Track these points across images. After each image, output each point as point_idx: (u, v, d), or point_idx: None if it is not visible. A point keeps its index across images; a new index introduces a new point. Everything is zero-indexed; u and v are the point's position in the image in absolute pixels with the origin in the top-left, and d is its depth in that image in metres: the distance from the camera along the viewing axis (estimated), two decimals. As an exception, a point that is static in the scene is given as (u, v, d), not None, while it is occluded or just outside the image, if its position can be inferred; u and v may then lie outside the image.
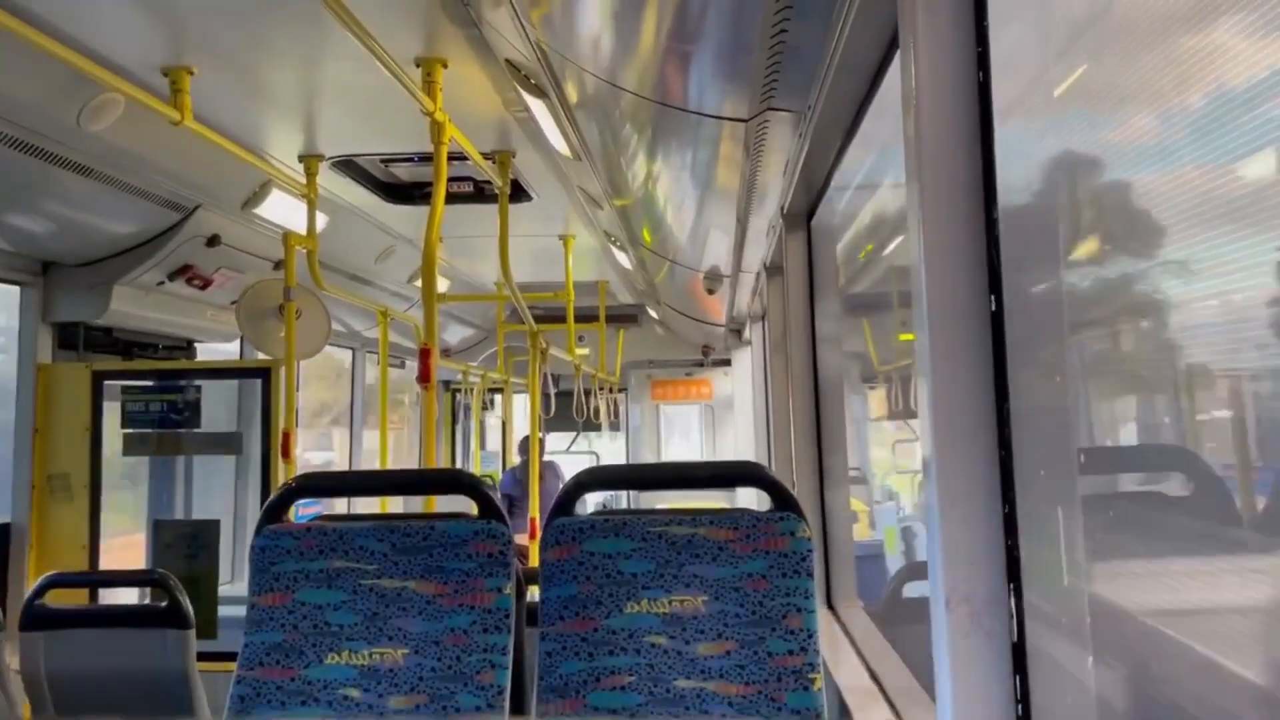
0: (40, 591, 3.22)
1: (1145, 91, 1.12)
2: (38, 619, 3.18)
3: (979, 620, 1.16)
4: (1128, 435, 1.27)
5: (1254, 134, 0.88)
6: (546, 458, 8.66)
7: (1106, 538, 1.21)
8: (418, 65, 3.39)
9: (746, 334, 8.81)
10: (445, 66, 3.41)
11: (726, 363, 11.08)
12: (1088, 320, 1.21)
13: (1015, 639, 1.15)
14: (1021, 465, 1.16)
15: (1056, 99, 1.34)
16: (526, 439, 9.66)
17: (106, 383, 4.65)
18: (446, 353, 10.08)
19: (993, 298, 1.16)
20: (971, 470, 1.17)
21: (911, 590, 3.20)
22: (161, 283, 4.76)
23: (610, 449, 12.51)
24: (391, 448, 6.93)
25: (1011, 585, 1.15)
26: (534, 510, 6.62)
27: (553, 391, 8.87)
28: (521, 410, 11.36)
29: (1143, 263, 1.17)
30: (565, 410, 10.05)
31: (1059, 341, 1.15)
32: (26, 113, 3.35)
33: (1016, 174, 1.25)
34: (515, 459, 9.68)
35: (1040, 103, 1.35)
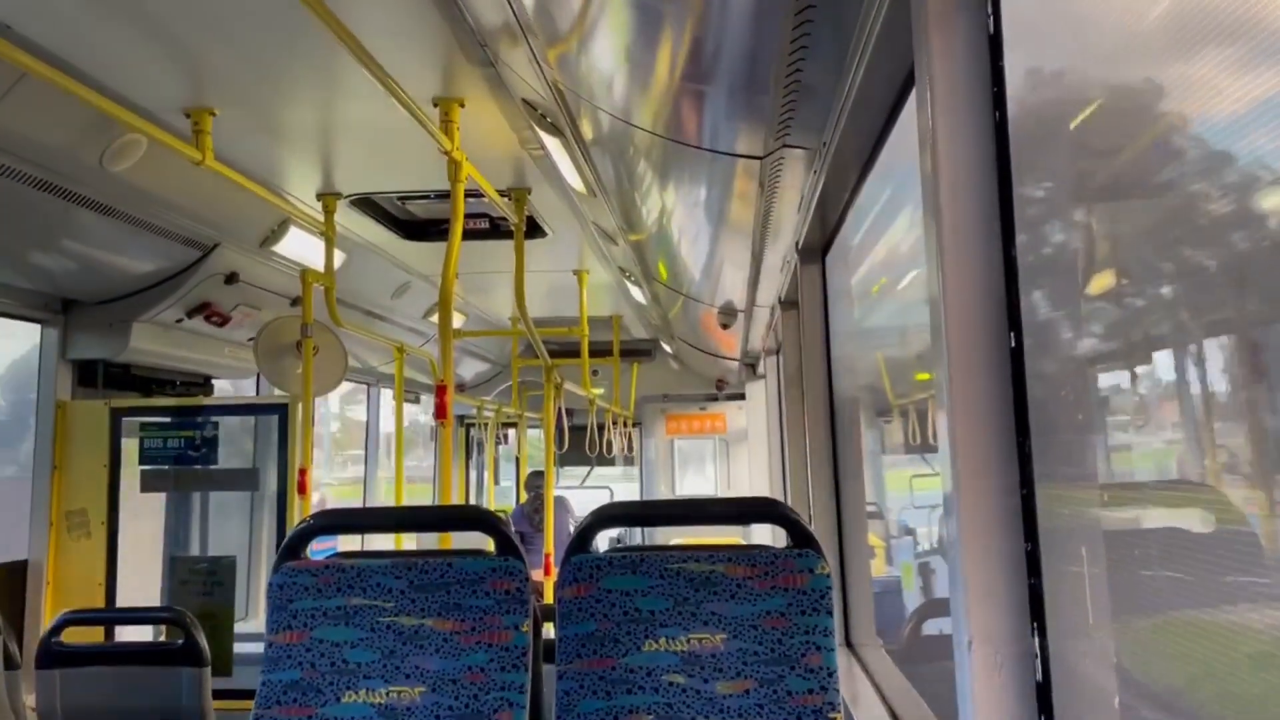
0: (57, 629, 3.22)
1: (1162, 123, 1.13)
2: (54, 656, 3.19)
3: (1003, 660, 1.15)
4: (1151, 471, 1.26)
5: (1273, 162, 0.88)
6: (557, 493, 8.65)
7: (1132, 576, 1.20)
8: (435, 105, 3.43)
9: (761, 368, 8.80)
10: (462, 106, 3.45)
11: (741, 396, 11.06)
12: (1109, 355, 1.20)
13: (1040, 679, 1.14)
14: (1044, 502, 1.15)
15: (1073, 131, 1.34)
16: (533, 474, 9.66)
17: (125, 419, 4.68)
18: (461, 388, 10.10)
19: (1012, 334, 1.16)
20: (993, 508, 1.16)
21: (931, 628, 3.17)
22: (180, 320, 4.80)
23: (624, 484, 12.47)
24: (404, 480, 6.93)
25: (1035, 624, 1.14)
26: (549, 546, 6.60)
27: (567, 426, 8.88)
28: (537, 446, 11.36)
29: (1163, 297, 1.17)
30: (579, 444, 10.04)
31: (1080, 377, 1.15)
32: (51, 154, 3.40)
33: (1035, 210, 1.26)
34: (525, 495, 9.66)
35: (1057, 136, 1.36)
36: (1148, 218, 1.19)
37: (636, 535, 10.03)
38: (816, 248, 3.41)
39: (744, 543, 2.33)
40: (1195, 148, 1.07)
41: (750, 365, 9.26)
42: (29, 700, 3.25)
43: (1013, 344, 1.15)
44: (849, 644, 3.25)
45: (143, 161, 3.65)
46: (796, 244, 3.43)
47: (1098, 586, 1.15)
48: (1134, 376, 1.20)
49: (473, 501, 11.40)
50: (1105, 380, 1.26)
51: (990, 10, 1.15)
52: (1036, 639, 1.14)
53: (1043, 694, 1.13)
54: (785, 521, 2.00)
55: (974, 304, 1.17)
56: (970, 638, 1.16)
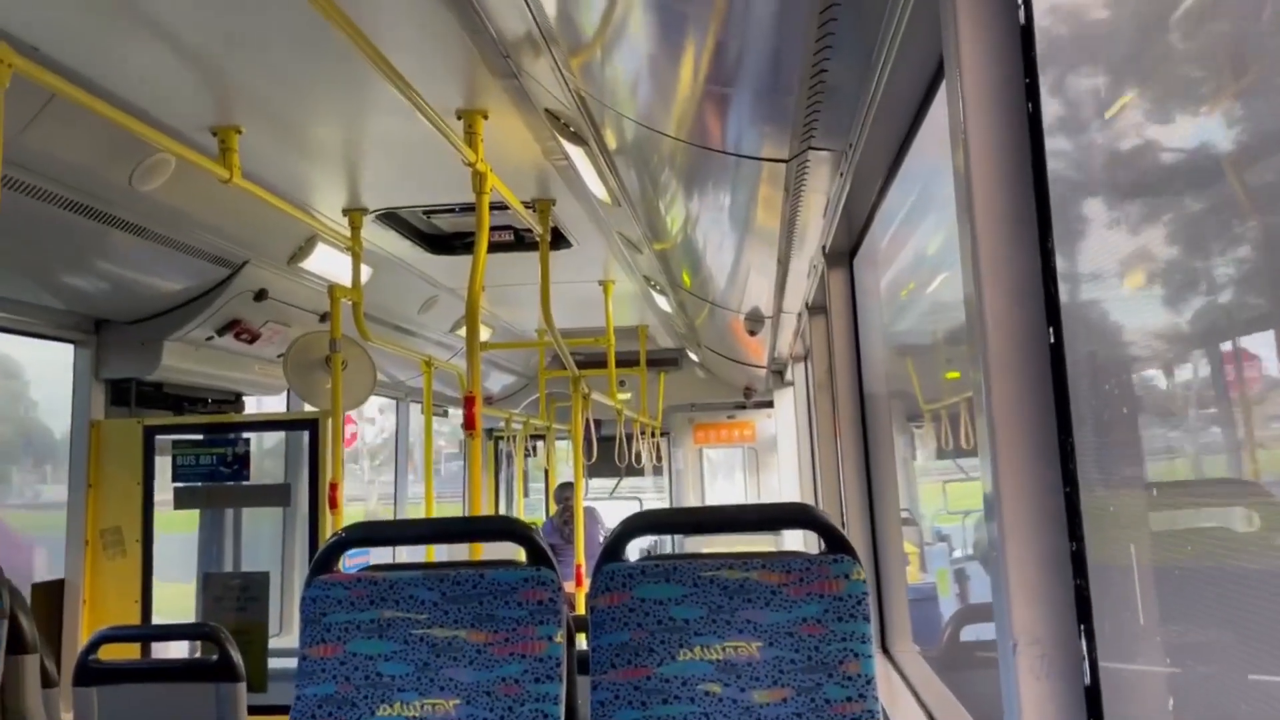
0: (94, 646, 3.24)
1: (1201, 110, 1.10)
2: (92, 674, 3.21)
3: (1050, 662, 1.12)
4: (1200, 469, 1.23)
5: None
6: (587, 504, 8.63)
7: (1182, 574, 1.16)
8: (459, 117, 3.44)
9: (789, 375, 8.76)
10: (486, 117, 3.46)
11: (769, 404, 11.01)
12: (1152, 350, 1.18)
13: (1089, 682, 1.11)
14: (1089, 501, 1.13)
15: (1109, 121, 1.32)
16: (562, 486, 9.66)
17: (158, 437, 4.72)
18: (489, 400, 10.13)
19: (1051, 329, 1.13)
20: (1035, 507, 1.14)
21: (970, 634, 3.12)
22: (210, 338, 4.84)
23: (653, 494, 12.44)
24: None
25: (1083, 626, 1.11)
26: (579, 556, 6.58)
27: (595, 437, 8.87)
28: (565, 457, 11.36)
29: (1210, 289, 1.14)
30: (607, 455, 10.03)
31: (1124, 372, 1.12)
32: (81, 175, 3.44)
33: (1073, 202, 1.23)
34: (553, 507, 9.66)
35: (1094, 127, 1.33)
36: (1191, 208, 1.16)
37: (667, 545, 9.99)
38: (844, 251, 3.38)
39: (777, 549, 2.31)
40: (1238, 136, 1.05)
41: (778, 372, 9.22)
42: (67, 717, 3.27)
43: (1052, 339, 1.13)
44: (885, 650, 3.21)
45: (171, 181, 3.68)
46: (823, 248, 3.41)
47: (1147, 586, 1.12)
48: (1181, 370, 1.17)
49: (502, 513, 11.41)
50: (1151, 375, 1.23)
51: (1021, 1, 1.14)
52: (1084, 641, 1.11)
53: (1092, 697, 1.10)
54: (819, 526, 1.98)
55: (1011, 300, 1.14)
56: (1015, 640, 1.13)
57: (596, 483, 11.87)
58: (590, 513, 8.91)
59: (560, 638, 2.03)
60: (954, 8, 1.15)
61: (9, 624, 2.22)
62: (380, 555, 5.21)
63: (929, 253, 3.79)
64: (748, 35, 1.96)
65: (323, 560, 2.10)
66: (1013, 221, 1.14)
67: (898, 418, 3.78)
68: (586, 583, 5.79)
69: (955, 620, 3.28)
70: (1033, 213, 1.15)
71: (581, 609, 5.65)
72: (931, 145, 2.25)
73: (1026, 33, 1.15)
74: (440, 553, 5.76)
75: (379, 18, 2.69)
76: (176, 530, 5.23)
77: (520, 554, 2.14)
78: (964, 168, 1.16)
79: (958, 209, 1.19)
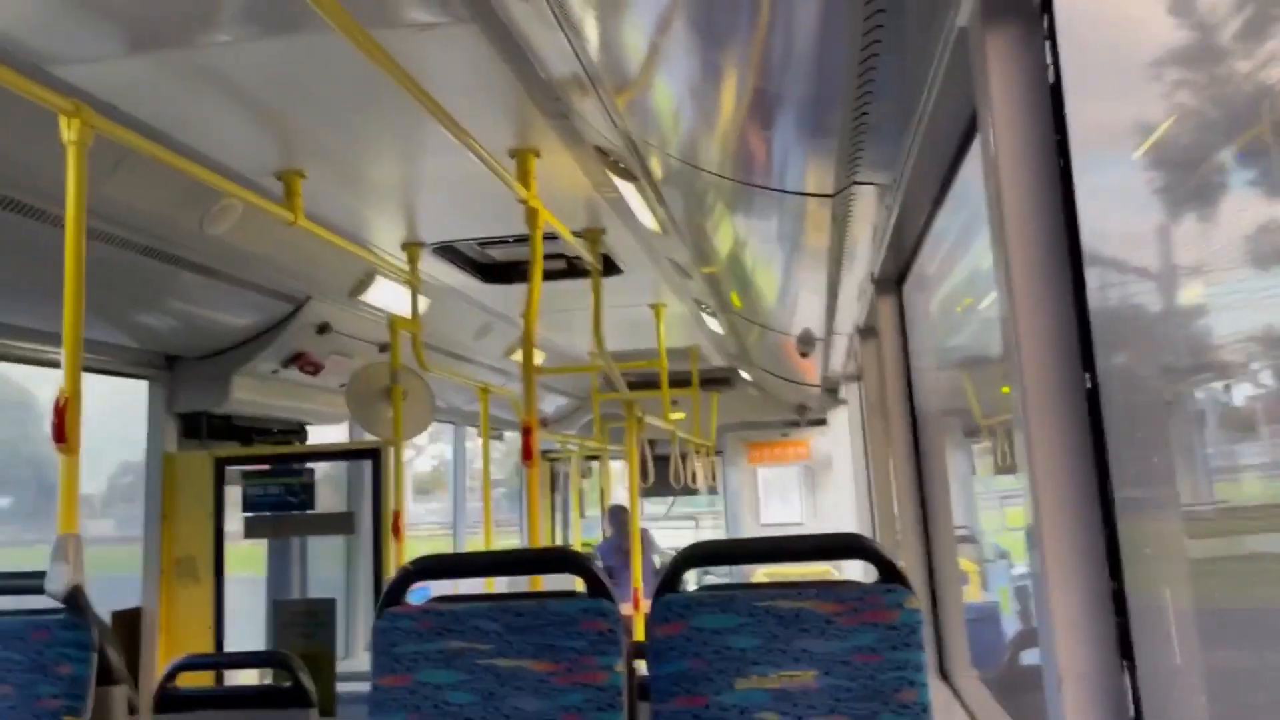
0: (172, 675, 3.37)
1: (1229, 148, 1.13)
2: (171, 701, 3.33)
3: (1095, 698, 1.15)
4: (1238, 504, 1.26)
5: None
6: (641, 525, 8.68)
7: (1222, 610, 1.19)
8: (511, 156, 3.54)
9: (842, 393, 8.74)
10: (538, 155, 3.55)
11: (823, 422, 10.97)
12: (1188, 393, 1.21)
13: (1132, 716, 1.14)
14: (1128, 540, 1.16)
15: (1136, 162, 1.35)
16: (615, 509, 9.73)
17: (228, 468, 4.87)
18: (544, 423, 10.23)
19: (1087, 375, 1.17)
20: (1075, 545, 1.18)
21: (1029, 657, 3.12)
22: (276, 370, 5.00)
23: (708, 512, 12.45)
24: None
25: (1125, 662, 1.15)
26: (637, 580, 6.63)
27: (650, 458, 8.92)
28: (620, 478, 11.42)
29: (1240, 328, 1.17)
30: (662, 475, 10.07)
31: (1160, 417, 1.16)
32: (154, 222, 3.60)
33: (1106, 248, 1.27)
34: (607, 530, 9.72)
35: (1125, 172, 1.37)
36: (1220, 249, 1.20)
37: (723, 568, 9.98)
38: (892, 278, 3.42)
39: (832, 576, 2.34)
40: (1263, 171, 1.08)
41: (831, 390, 9.20)
42: (148, 744, 3.40)
43: (1088, 385, 1.17)
44: (944, 675, 3.22)
45: (239, 224, 3.84)
46: (872, 275, 3.45)
47: (1187, 623, 1.15)
48: (1216, 408, 1.20)
49: (558, 535, 11.50)
50: (1188, 411, 1.26)
51: (1050, 60, 1.18)
52: (1127, 676, 1.15)
53: (1137, 731, 1.14)
54: (871, 556, 2.02)
55: (1047, 346, 1.19)
56: (1061, 676, 1.17)
57: (651, 504, 11.91)
58: (643, 535, 8.96)
59: (620, 667, 2.09)
60: (985, 69, 1.20)
61: (98, 656, 2.33)
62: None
63: (981, 273, 3.79)
64: (787, 78, 2.02)
65: (392, 593, 2.19)
66: (1047, 272, 1.19)
67: (954, 435, 3.79)
68: (645, 604, 5.83)
69: (1014, 644, 3.28)
70: (1066, 262, 1.19)
71: (639, 633, 5.70)
72: (979, 173, 2.28)
73: (1056, 91, 1.19)
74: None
75: (433, 66, 2.80)
76: (243, 569, 5.38)
77: (579, 581, 2.21)
78: (999, 224, 1.21)
79: (994, 262, 1.24)
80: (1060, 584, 1.16)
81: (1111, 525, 1.15)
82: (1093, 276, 1.22)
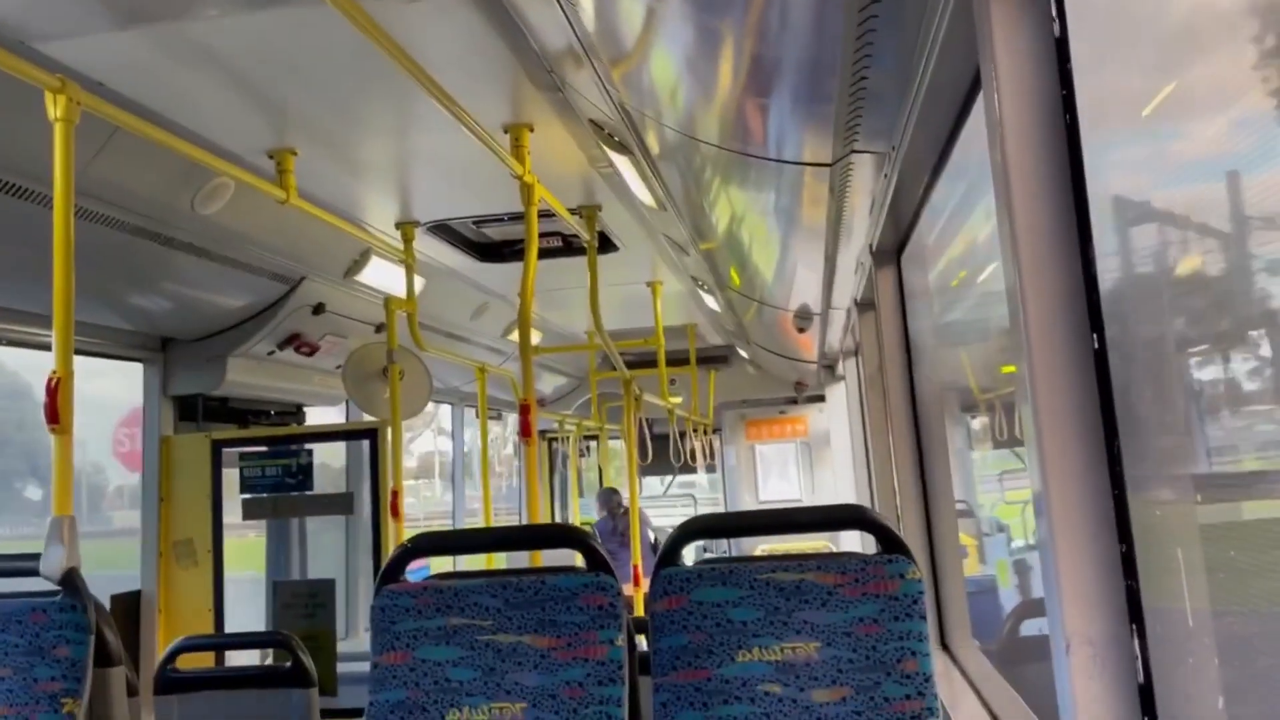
0: (172, 656, 3.37)
1: (1241, 110, 1.11)
2: (171, 683, 3.33)
3: (1103, 662, 1.14)
4: (1249, 467, 1.24)
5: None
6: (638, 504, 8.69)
7: (1232, 572, 1.18)
8: (506, 131, 3.51)
9: (840, 369, 8.73)
10: (532, 130, 3.52)
11: (820, 399, 10.97)
12: (1197, 352, 1.19)
13: (1142, 680, 1.13)
14: (1137, 502, 1.15)
15: (1146, 120, 1.33)
16: (603, 492, 9.75)
17: (225, 450, 4.85)
18: (541, 403, 10.22)
19: (1095, 335, 1.15)
20: (1084, 510, 1.16)
21: (1030, 628, 3.12)
22: (272, 352, 4.97)
23: (707, 491, 12.47)
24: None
25: (1134, 626, 1.13)
26: (636, 557, 6.64)
27: (649, 436, 8.92)
28: (618, 455, 11.43)
29: (1253, 286, 1.15)
30: (661, 453, 10.08)
31: (1168, 377, 1.14)
32: (145, 202, 3.57)
33: (1114, 208, 1.25)
34: (599, 513, 9.75)
35: (1134, 131, 1.34)
36: (1231, 206, 1.17)
37: (723, 542, 10.01)
38: (890, 249, 3.39)
39: (832, 549, 2.33)
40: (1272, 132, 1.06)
41: (829, 367, 9.19)
42: (149, 725, 3.40)
43: (1095, 345, 1.15)
44: (945, 646, 3.21)
45: (231, 203, 3.80)
46: (870, 246, 3.42)
47: (1198, 586, 1.13)
48: (1225, 371, 1.18)
49: (557, 514, 11.52)
50: (1197, 376, 1.24)
51: (1055, 13, 1.16)
52: (1136, 640, 1.14)
53: (1145, 696, 1.12)
54: (873, 527, 2.01)
55: (1054, 307, 1.16)
56: (1068, 641, 1.16)
57: (649, 482, 11.93)
58: (639, 514, 8.98)
59: (621, 641, 2.08)
60: (989, 24, 1.17)
61: (95, 638, 2.32)
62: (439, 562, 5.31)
63: (980, 245, 3.77)
64: (784, 46, 1.99)
65: (390, 570, 2.17)
66: (1053, 231, 1.17)
67: (952, 410, 3.78)
68: (645, 582, 5.84)
69: (1015, 615, 3.28)
70: (1073, 222, 1.17)
71: (640, 610, 5.71)
72: (978, 140, 2.26)
73: (1062, 44, 1.17)
74: (501, 556, 5.86)
75: (425, 39, 2.76)
76: (243, 567, 5.37)
77: (578, 558, 2.20)
78: (1003, 180, 1.19)
79: (998, 219, 1.22)
80: (1067, 548, 1.14)
81: (1120, 488, 1.13)
82: (1100, 236, 1.20)
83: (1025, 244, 1.16)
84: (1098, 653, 1.14)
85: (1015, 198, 1.16)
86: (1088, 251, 1.16)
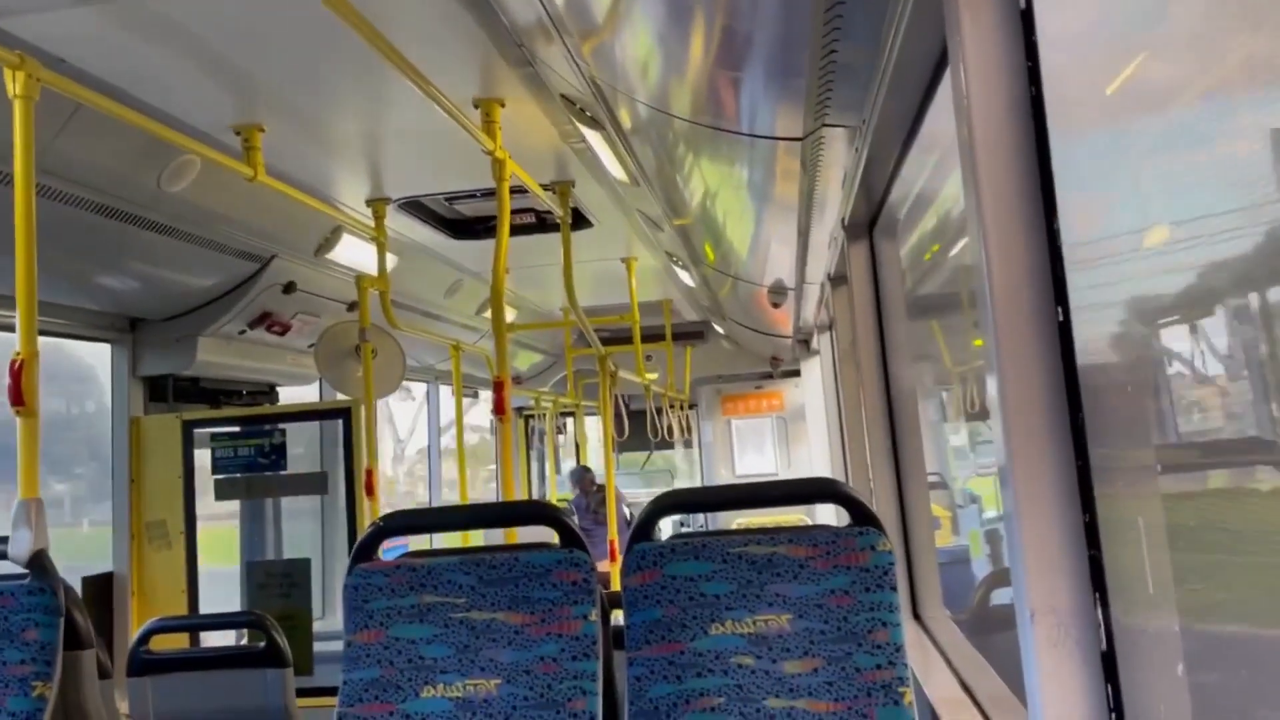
0: (145, 638, 3.35)
1: (1201, 87, 1.12)
2: (144, 664, 3.31)
3: (1067, 630, 1.16)
4: (1209, 434, 1.26)
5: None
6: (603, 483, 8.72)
7: (1193, 541, 1.20)
8: (476, 106, 3.48)
9: (814, 344, 8.76)
10: (503, 105, 3.49)
11: (796, 373, 11.02)
12: (1159, 323, 1.20)
13: (1105, 648, 1.15)
14: (1100, 473, 1.16)
15: (1110, 98, 1.33)
16: (575, 470, 9.77)
17: (196, 431, 4.82)
18: (517, 380, 10.21)
19: (1059, 308, 1.16)
20: (1049, 481, 1.17)
21: (1000, 597, 3.16)
22: (243, 331, 4.93)
23: (684, 466, 12.52)
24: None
25: (1098, 594, 1.15)
26: (612, 532, 6.67)
27: (625, 413, 8.93)
28: (595, 432, 11.44)
29: (1210, 262, 1.16)
30: (638, 429, 10.10)
31: (1131, 348, 1.15)
32: (110, 179, 3.51)
33: (1077, 180, 1.25)
34: (572, 491, 9.77)
35: (1096, 107, 1.35)
36: (1191, 181, 1.18)
37: (699, 518, 10.07)
38: (863, 223, 3.40)
39: (806, 523, 2.35)
40: (1236, 105, 1.06)
41: (804, 341, 9.23)
42: (122, 707, 3.38)
43: (1060, 318, 1.16)
44: (917, 617, 3.25)
45: (198, 181, 3.75)
46: (843, 220, 3.43)
47: (1158, 553, 1.15)
48: (1188, 345, 1.20)
49: (534, 491, 11.53)
50: (1159, 349, 1.25)
51: (1020, -15, 1.15)
52: (1100, 609, 1.15)
53: (1108, 663, 1.14)
54: (844, 500, 2.02)
55: (1019, 279, 1.17)
56: (1033, 610, 1.17)
57: (626, 459, 11.96)
58: (614, 491, 9.00)
59: (595, 616, 2.09)
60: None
61: (65, 620, 2.30)
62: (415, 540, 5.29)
63: (952, 218, 3.79)
64: (756, 19, 1.98)
65: (363, 549, 2.17)
66: (1019, 203, 1.17)
67: (925, 383, 3.80)
68: (620, 559, 5.86)
69: (985, 584, 3.32)
70: (1038, 194, 1.17)
71: (615, 585, 5.73)
72: (948, 113, 2.26)
73: (1027, 16, 1.17)
74: (477, 533, 5.86)
75: (393, 12, 2.73)
76: (217, 560, 5.33)
77: (554, 535, 2.20)
78: (969, 151, 1.19)
79: (964, 191, 1.22)
80: (1032, 518, 1.16)
81: (1084, 459, 1.15)
82: (1064, 209, 1.20)
83: (991, 217, 1.17)
84: (1061, 621, 1.15)
85: (981, 171, 1.16)
86: (1053, 225, 1.16)
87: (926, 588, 3.25)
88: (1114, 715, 1.12)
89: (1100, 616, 1.14)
